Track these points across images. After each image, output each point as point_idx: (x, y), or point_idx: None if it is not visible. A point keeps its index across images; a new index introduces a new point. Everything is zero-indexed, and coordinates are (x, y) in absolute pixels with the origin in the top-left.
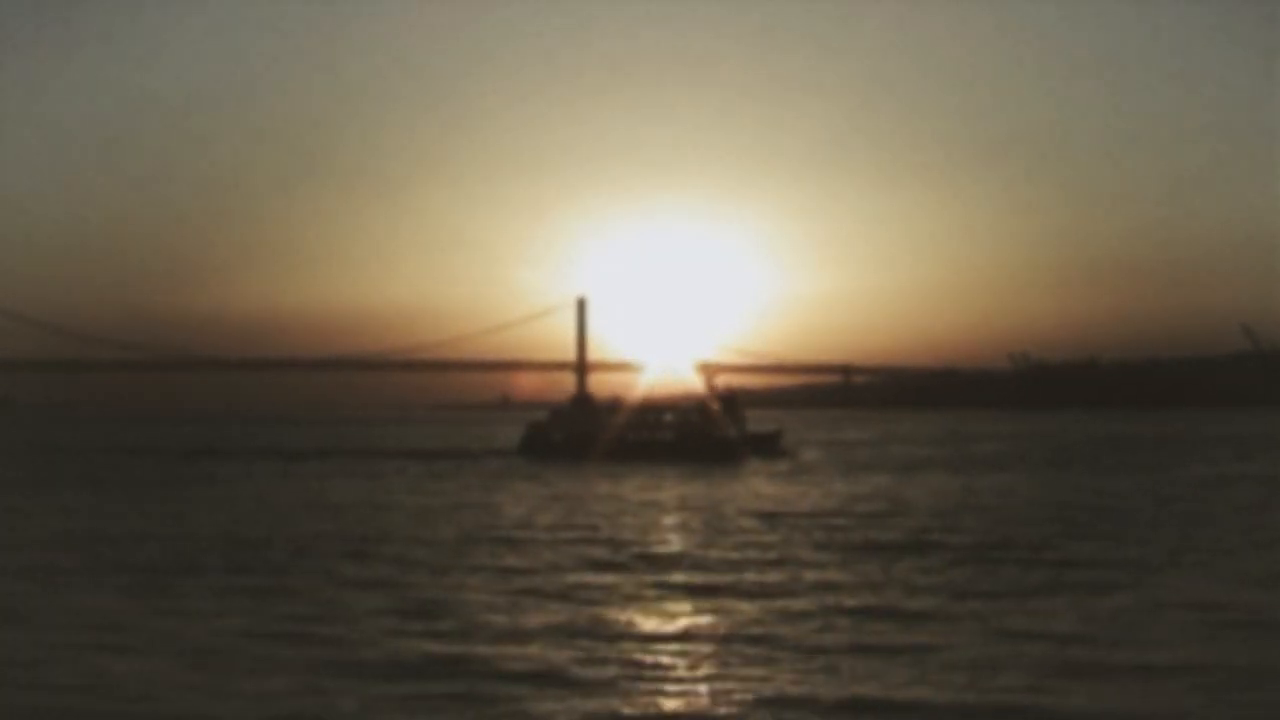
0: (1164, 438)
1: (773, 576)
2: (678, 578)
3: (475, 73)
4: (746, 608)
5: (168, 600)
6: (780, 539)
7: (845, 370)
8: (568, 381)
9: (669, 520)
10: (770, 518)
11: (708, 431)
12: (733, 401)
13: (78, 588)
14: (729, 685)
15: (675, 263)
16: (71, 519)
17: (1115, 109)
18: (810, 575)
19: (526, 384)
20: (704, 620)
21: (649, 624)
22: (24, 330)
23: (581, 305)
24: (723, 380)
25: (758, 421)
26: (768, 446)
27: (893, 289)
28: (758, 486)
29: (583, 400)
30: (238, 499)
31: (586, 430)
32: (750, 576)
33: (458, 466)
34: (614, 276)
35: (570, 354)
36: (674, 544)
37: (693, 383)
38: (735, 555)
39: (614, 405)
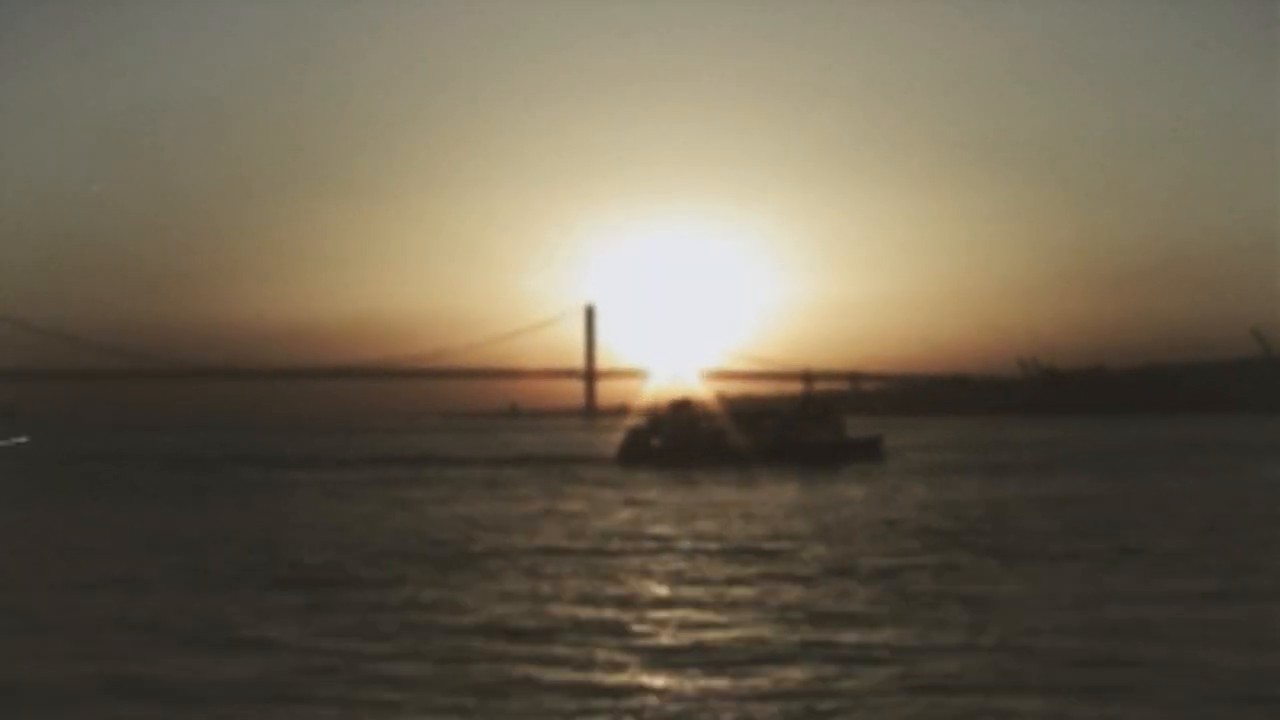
0: (1197, 441)
1: (978, 587)
2: (863, 591)
3: (481, 80)
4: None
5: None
6: (939, 543)
7: (853, 377)
8: (576, 389)
9: (808, 526)
10: (909, 520)
11: (809, 436)
12: (831, 407)
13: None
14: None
15: (682, 270)
16: (178, 526)
17: (1124, 113)
18: (1011, 586)
19: (536, 391)
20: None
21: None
22: (29, 339)
23: (590, 313)
24: (730, 387)
25: None
26: (868, 452)
27: (899, 295)
28: (876, 490)
29: (682, 406)
30: (342, 509)
31: (687, 436)
32: (974, 588)
33: (561, 473)
34: (620, 284)
35: (577, 361)
36: (832, 552)
37: (699, 389)
38: (921, 560)
39: (714, 411)
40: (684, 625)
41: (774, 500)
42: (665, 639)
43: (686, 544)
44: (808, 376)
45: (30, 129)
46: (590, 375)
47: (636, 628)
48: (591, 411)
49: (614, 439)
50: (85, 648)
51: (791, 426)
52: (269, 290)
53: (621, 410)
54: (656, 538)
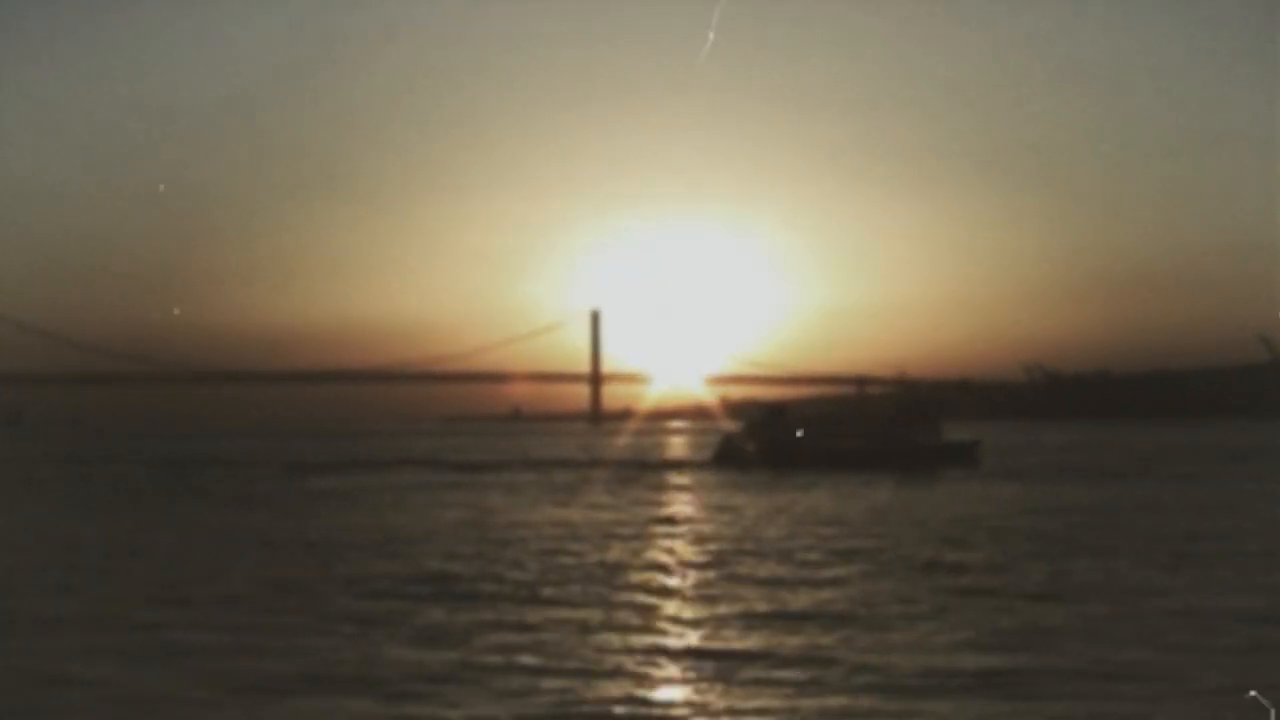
0: (1222, 445)
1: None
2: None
3: (482, 85)
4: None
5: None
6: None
7: (860, 381)
8: (578, 393)
9: (937, 531)
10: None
11: (907, 439)
12: (929, 409)
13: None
14: None
15: (685, 275)
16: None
17: (1130, 119)
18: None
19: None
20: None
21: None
22: (29, 341)
23: (596, 318)
24: (734, 391)
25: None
26: (965, 455)
27: (902, 301)
28: (987, 492)
29: (777, 410)
30: (443, 515)
31: (782, 440)
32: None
33: (657, 478)
34: (623, 289)
35: (579, 366)
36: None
37: (703, 394)
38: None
39: (809, 414)
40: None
41: (898, 503)
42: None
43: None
44: (862, 382)
45: (32, 131)
46: (596, 379)
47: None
48: (597, 416)
49: (670, 442)
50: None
51: (889, 429)
52: (271, 294)
53: (625, 414)
54: (788, 542)
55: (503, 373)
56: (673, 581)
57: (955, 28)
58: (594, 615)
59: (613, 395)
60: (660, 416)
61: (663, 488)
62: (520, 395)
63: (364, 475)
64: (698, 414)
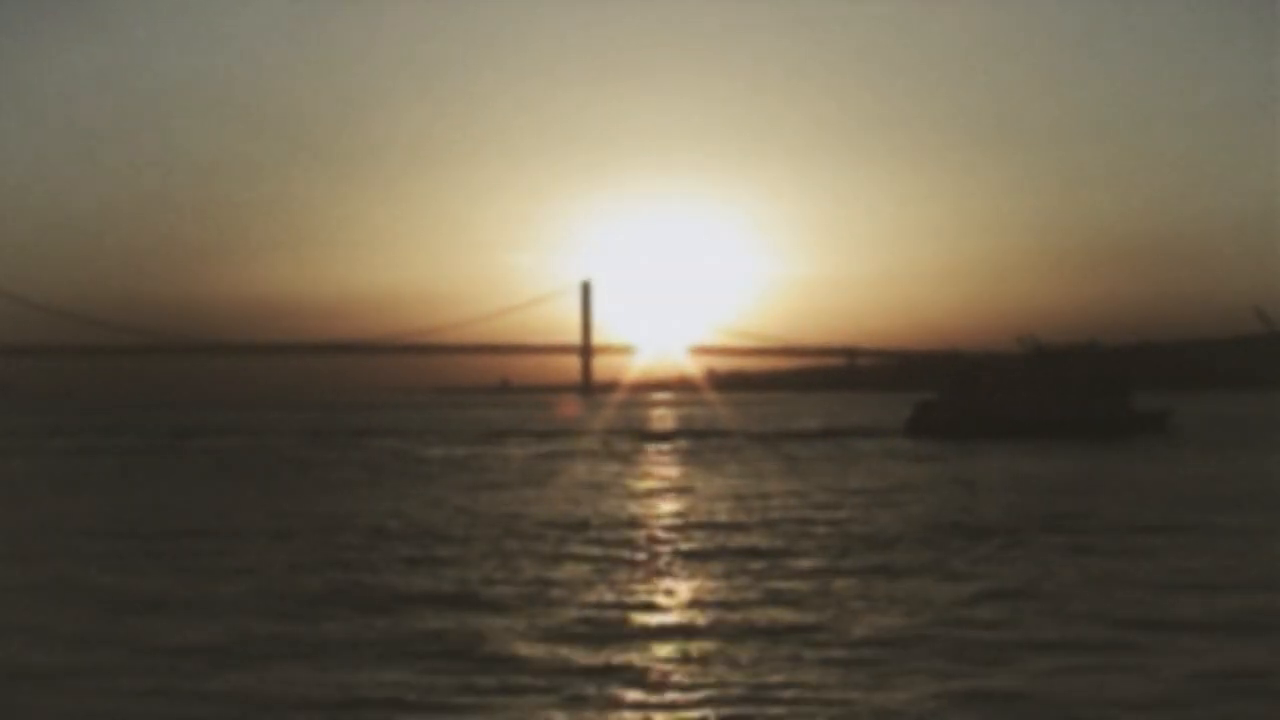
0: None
1: None
2: None
3: (472, 58)
4: None
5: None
6: None
7: (850, 353)
8: (567, 364)
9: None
10: None
11: (1098, 408)
12: (1121, 378)
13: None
14: None
15: (673, 247)
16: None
17: (1117, 88)
18: None
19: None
20: None
21: None
22: (21, 313)
23: (586, 289)
24: (720, 363)
25: (759, 404)
26: (1157, 425)
27: (891, 272)
28: (1201, 461)
29: (969, 378)
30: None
31: (977, 408)
32: None
33: (844, 448)
34: (611, 260)
35: (568, 337)
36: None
37: (687, 366)
38: None
39: (1001, 382)
40: None
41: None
42: None
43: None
44: (851, 353)
45: (33, 105)
46: (587, 351)
47: None
48: (587, 387)
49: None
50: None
51: (1081, 397)
52: (260, 267)
53: (613, 386)
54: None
55: (493, 344)
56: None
57: (951, 2)
58: None
59: (600, 367)
60: (645, 388)
61: (880, 458)
62: (509, 367)
63: (487, 446)
64: (682, 385)
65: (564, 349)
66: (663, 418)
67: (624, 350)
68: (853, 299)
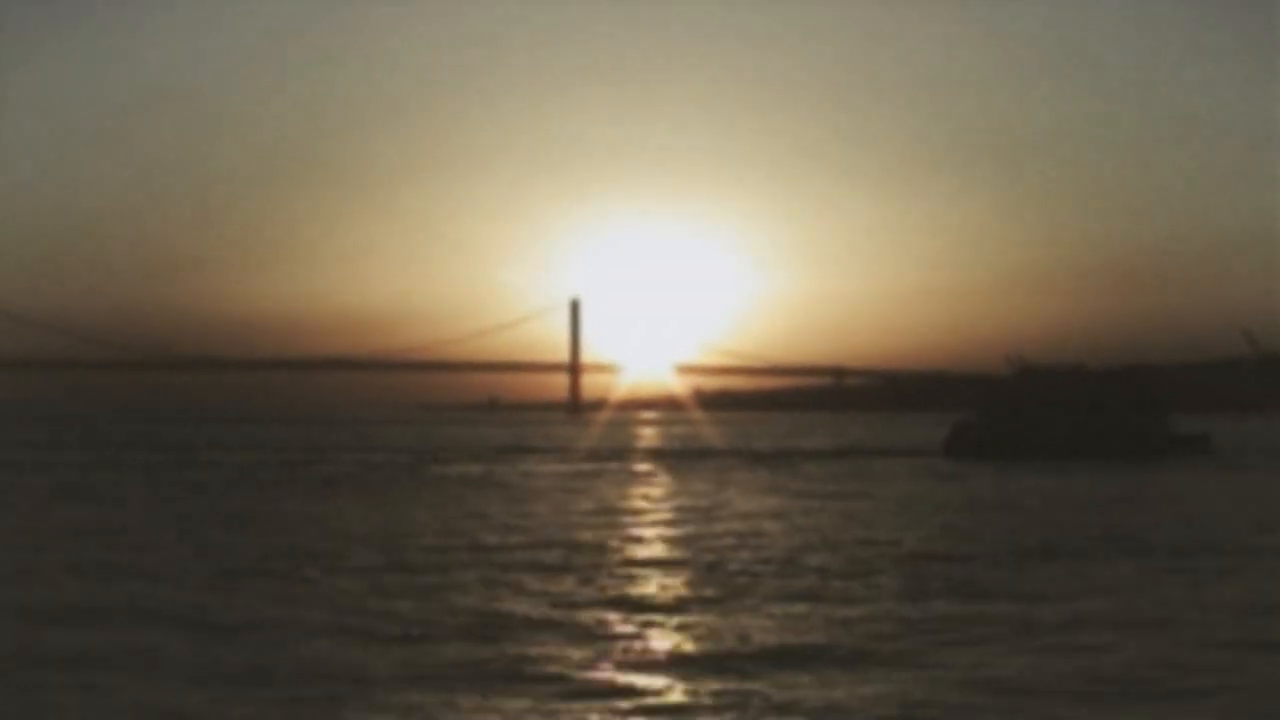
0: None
1: None
2: None
3: (462, 73)
4: None
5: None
6: None
7: (838, 372)
8: (555, 382)
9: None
10: None
11: (1137, 428)
12: (1161, 398)
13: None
14: None
15: (661, 265)
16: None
17: (1111, 110)
18: None
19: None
20: None
21: None
22: (9, 327)
23: (575, 307)
24: (709, 381)
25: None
26: (1199, 447)
27: (879, 291)
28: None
29: (1006, 399)
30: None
31: (1015, 429)
32: None
33: (883, 469)
34: (598, 279)
35: (556, 355)
36: None
37: (674, 384)
38: None
39: (1037, 403)
40: None
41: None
42: None
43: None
44: (839, 372)
45: (20, 119)
46: (575, 369)
47: None
48: (576, 405)
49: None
50: None
51: (1120, 418)
52: (245, 282)
53: (601, 404)
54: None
55: (482, 362)
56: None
57: (931, 19)
58: None
59: (587, 384)
60: (631, 406)
61: (928, 478)
62: (498, 384)
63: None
64: (669, 404)
65: (553, 367)
66: (676, 436)
67: (611, 369)
68: (839, 318)
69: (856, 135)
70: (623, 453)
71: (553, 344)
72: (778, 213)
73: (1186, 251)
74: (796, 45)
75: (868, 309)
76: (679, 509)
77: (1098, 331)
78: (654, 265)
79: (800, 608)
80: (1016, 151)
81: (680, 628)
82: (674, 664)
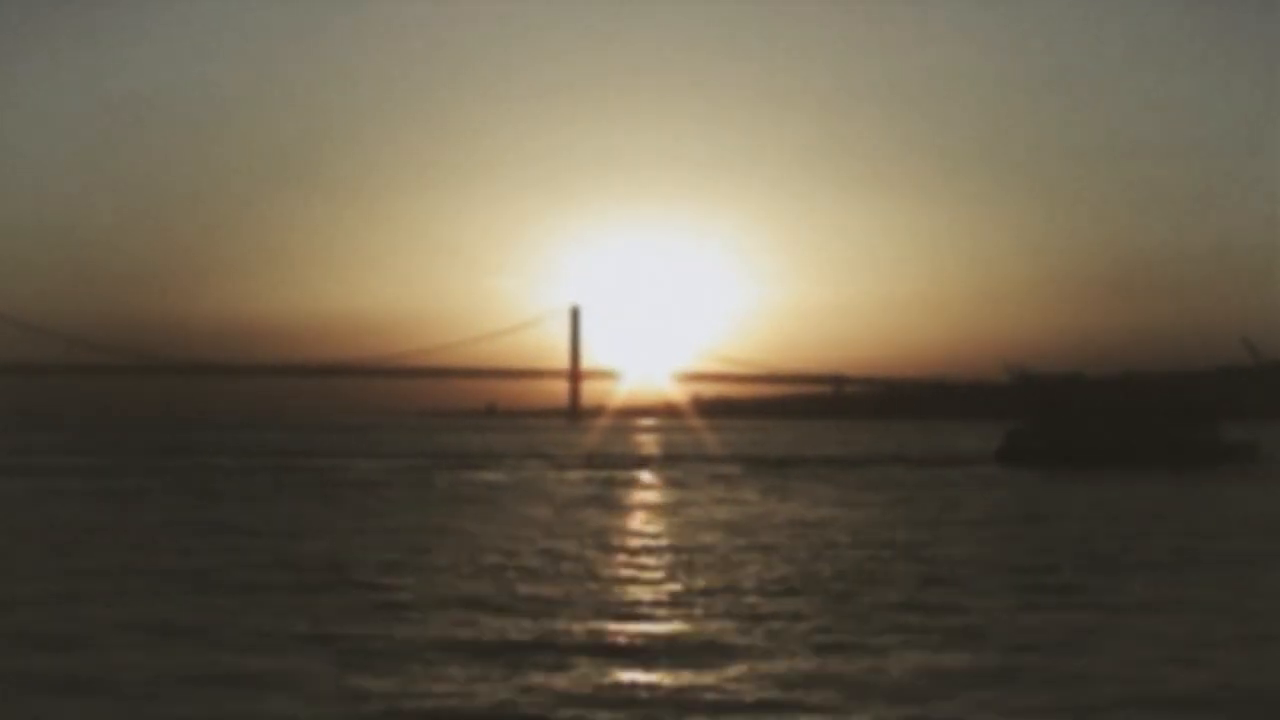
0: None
1: None
2: None
3: (459, 81)
4: None
5: None
6: None
7: (837, 380)
8: (553, 389)
9: None
10: None
11: (1187, 436)
12: (1212, 407)
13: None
14: None
15: (659, 272)
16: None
17: (1109, 118)
18: None
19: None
20: None
21: None
22: (8, 332)
23: (575, 315)
24: (707, 389)
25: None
26: (1248, 456)
27: (877, 299)
28: None
29: (1059, 406)
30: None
31: (1068, 437)
32: None
33: (941, 476)
34: (596, 286)
35: (554, 362)
36: None
37: (672, 392)
38: None
39: (1088, 411)
40: None
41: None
42: None
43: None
44: (838, 380)
45: (21, 125)
46: (575, 376)
47: None
48: (576, 412)
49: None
50: None
51: (1172, 427)
52: (248, 287)
53: (599, 411)
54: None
55: (481, 368)
56: None
57: (928, 25)
58: None
59: (585, 391)
60: (630, 414)
61: (991, 487)
62: (496, 391)
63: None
64: (666, 411)
65: (552, 373)
66: (707, 443)
67: (609, 375)
68: (838, 326)
69: (857, 145)
70: (679, 461)
71: (551, 351)
72: (777, 220)
73: (1186, 260)
74: (798, 54)
75: (866, 317)
76: (740, 520)
77: (1097, 340)
78: (653, 272)
79: (913, 618)
80: (1016, 160)
81: (815, 647)
82: (847, 691)
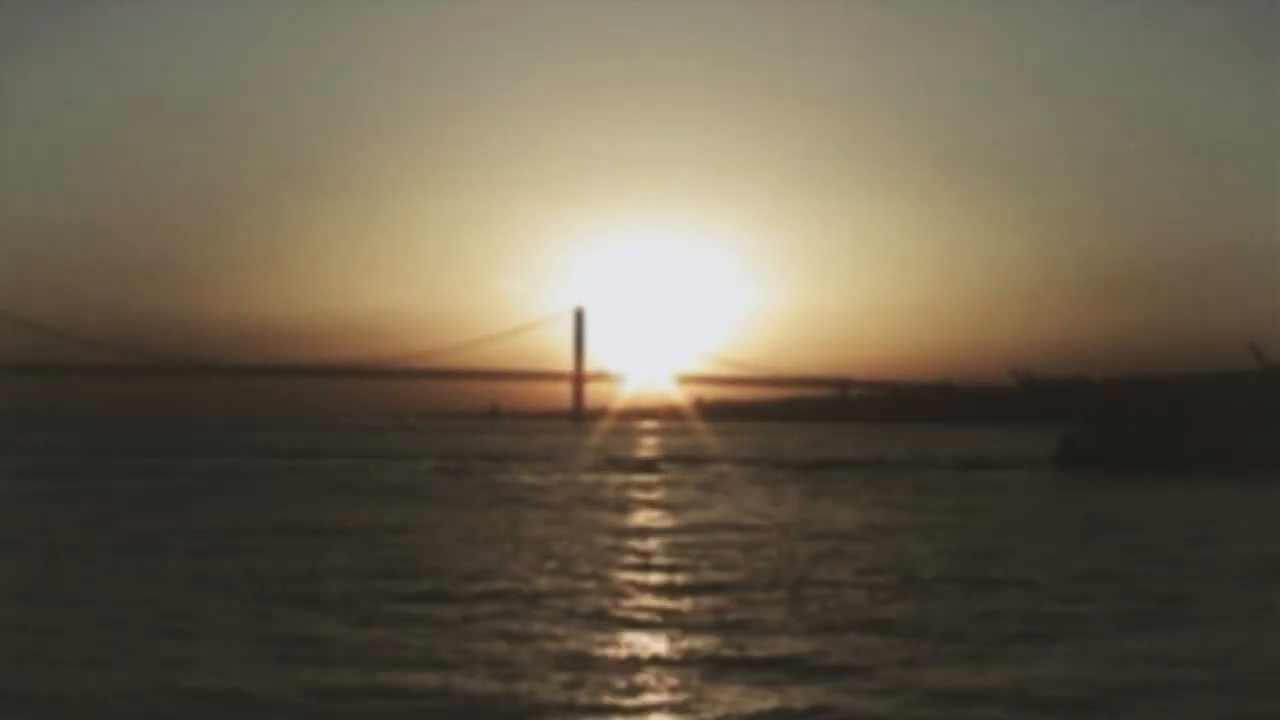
0: None
1: None
2: None
3: (465, 84)
4: None
5: None
6: None
7: (843, 383)
8: (557, 391)
9: None
10: None
11: (1254, 440)
12: (1271, 411)
13: None
14: None
15: (664, 274)
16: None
17: (1115, 121)
18: None
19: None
20: None
21: None
22: (19, 333)
23: (580, 317)
24: (710, 391)
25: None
26: None
27: (882, 303)
28: None
29: (1119, 408)
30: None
31: (1126, 440)
32: None
33: (997, 481)
34: (601, 288)
35: (557, 364)
36: None
37: (675, 394)
38: None
39: (1147, 413)
40: None
41: None
42: None
43: None
44: (844, 384)
45: (13, 124)
46: (579, 378)
47: None
48: (580, 415)
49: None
50: None
51: (1233, 430)
52: (248, 288)
53: (602, 413)
54: None
55: (484, 370)
56: None
57: (933, 29)
58: None
59: (589, 394)
60: (632, 416)
61: (1056, 489)
62: (499, 393)
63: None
64: (669, 413)
65: (556, 375)
66: (714, 446)
67: (612, 377)
68: (842, 330)
69: (860, 147)
70: (695, 464)
71: (554, 353)
72: (781, 224)
73: (1191, 265)
74: (801, 55)
75: (870, 321)
76: (821, 526)
77: (1102, 344)
78: (656, 275)
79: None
80: (1021, 164)
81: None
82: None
